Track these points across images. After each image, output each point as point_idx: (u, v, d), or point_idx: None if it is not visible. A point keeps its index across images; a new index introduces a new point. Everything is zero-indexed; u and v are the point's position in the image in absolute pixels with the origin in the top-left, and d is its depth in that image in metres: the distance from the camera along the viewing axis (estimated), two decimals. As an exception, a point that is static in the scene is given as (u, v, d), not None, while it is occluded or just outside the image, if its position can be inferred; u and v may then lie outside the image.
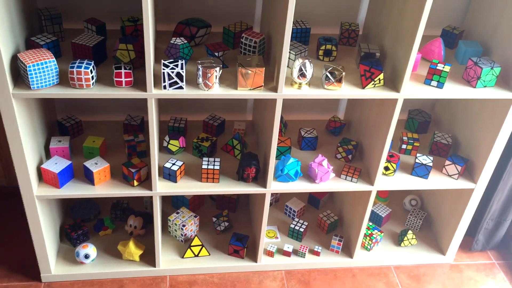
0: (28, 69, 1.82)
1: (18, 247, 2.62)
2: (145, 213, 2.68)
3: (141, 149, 2.37)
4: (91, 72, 1.90)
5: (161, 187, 2.26)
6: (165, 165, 2.27)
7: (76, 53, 2.04)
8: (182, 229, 2.60)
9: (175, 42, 2.09)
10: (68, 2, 2.30)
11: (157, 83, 1.99)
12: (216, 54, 2.10)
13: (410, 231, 2.75)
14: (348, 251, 2.71)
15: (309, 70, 2.00)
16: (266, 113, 2.26)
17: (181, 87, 1.97)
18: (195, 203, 2.81)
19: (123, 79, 1.94)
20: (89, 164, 2.22)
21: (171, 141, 2.39)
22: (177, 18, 2.38)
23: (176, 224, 2.61)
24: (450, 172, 2.46)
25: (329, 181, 2.37)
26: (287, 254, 2.65)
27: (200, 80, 1.97)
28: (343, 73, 2.03)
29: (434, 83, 2.14)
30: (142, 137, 2.39)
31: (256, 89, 2.02)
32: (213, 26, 2.40)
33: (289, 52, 2.14)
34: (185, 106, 2.70)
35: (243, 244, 2.58)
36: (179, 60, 1.94)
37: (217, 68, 1.95)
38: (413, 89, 2.12)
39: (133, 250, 2.50)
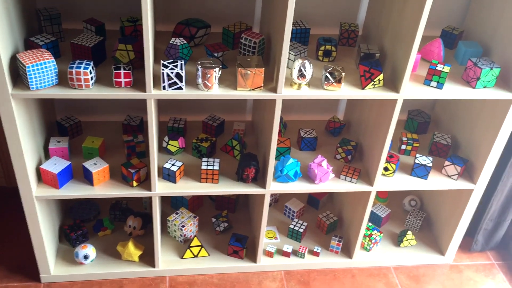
0: (27, 69, 1.82)
1: (17, 248, 2.62)
2: (144, 214, 2.68)
3: (141, 149, 2.37)
4: (90, 72, 1.90)
5: (161, 188, 2.26)
6: (164, 166, 2.27)
7: (76, 53, 2.04)
8: (181, 229, 2.59)
9: (174, 43, 2.09)
10: (67, 2, 2.30)
11: (156, 84, 1.99)
12: (216, 54, 2.10)
13: (409, 232, 2.75)
14: (347, 251, 2.71)
15: (309, 70, 2.00)
16: (266, 114, 2.26)
17: (180, 88, 1.96)
18: (195, 204, 2.81)
19: (122, 80, 1.94)
20: (88, 164, 2.21)
21: (171, 142, 2.38)
22: (176, 19, 2.38)
23: (175, 225, 2.60)
24: (449, 172, 2.46)
25: (329, 182, 2.37)
26: (286, 254, 2.65)
27: (200, 80, 1.97)
28: (343, 74, 2.03)
29: (433, 83, 2.14)
30: (141, 138, 2.38)
31: (256, 89, 2.01)
32: (212, 26, 2.40)
33: (289, 53, 2.14)
34: (185, 107, 2.70)
35: (242, 244, 2.58)
36: (179, 61, 1.94)
37: (217, 69, 1.95)
38: (412, 89, 2.12)
39: (132, 250, 2.50)
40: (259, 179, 2.34)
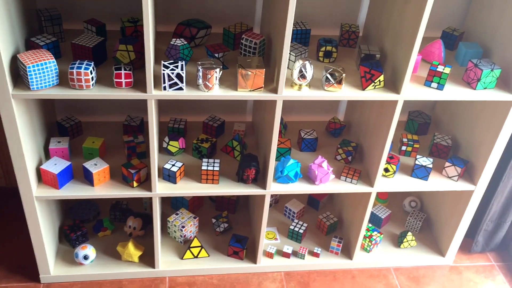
0: (28, 69, 1.82)
1: (17, 248, 2.62)
2: (145, 214, 2.68)
3: (141, 150, 2.37)
4: (91, 73, 1.90)
5: (161, 188, 2.26)
6: (164, 166, 2.27)
7: (76, 53, 2.04)
8: (181, 230, 2.59)
9: (175, 43, 2.09)
10: (68, 2, 2.30)
11: (157, 84, 1.99)
12: (216, 55, 2.10)
13: (409, 233, 2.75)
14: (347, 252, 2.71)
15: (309, 71, 2.00)
16: (266, 114, 2.26)
17: (181, 88, 1.96)
18: (195, 204, 2.81)
19: (123, 80, 1.94)
20: (88, 165, 2.21)
21: (171, 142, 2.38)
22: (177, 19, 2.38)
23: (175, 225, 2.60)
24: (450, 173, 2.46)
25: (329, 183, 2.37)
26: (286, 255, 2.64)
27: (200, 81, 1.97)
28: (343, 75, 2.03)
29: (434, 84, 2.14)
30: (141, 138, 2.38)
31: (256, 90, 2.01)
32: (213, 27, 2.40)
33: (289, 54, 2.14)
34: (185, 107, 2.70)
35: (242, 245, 2.58)
36: (179, 61, 1.94)
37: (217, 69, 1.95)
38: (413, 90, 2.12)
39: (132, 251, 2.50)
40: (259, 180, 2.34)
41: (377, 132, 2.31)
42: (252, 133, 2.65)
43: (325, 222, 2.75)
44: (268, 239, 2.73)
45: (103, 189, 2.22)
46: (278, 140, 2.47)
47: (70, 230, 2.55)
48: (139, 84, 1.98)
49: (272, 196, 2.88)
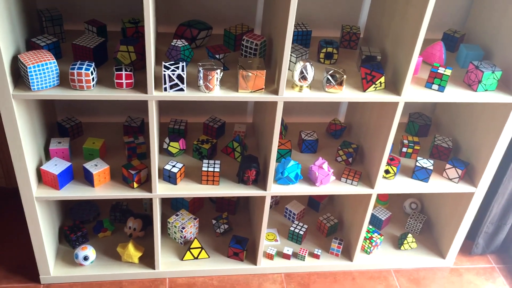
0: (28, 70, 1.82)
1: (17, 249, 2.62)
2: (145, 215, 2.68)
3: (141, 151, 2.37)
4: (92, 73, 1.90)
5: (161, 189, 2.25)
6: (165, 167, 2.27)
7: (77, 54, 2.04)
8: (181, 231, 2.59)
9: (176, 44, 2.09)
10: (68, 3, 2.30)
11: (157, 85, 1.99)
12: (217, 56, 2.10)
13: (410, 235, 2.75)
14: (348, 254, 2.71)
15: (310, 72, 1.99)
16: (267, 116, 2.26)
17: (181, 89, 1.96)
18: (195, 205, 2.81)
19: (123, 81, 1.94)
20: (89, 165, 2.21)
21: (171, 143, 2.38)
22: (178, 20, 2.38)
23: (175, 226, 2.60)
24: (450, 175, 2.45)
25: (329, 184, 2.37)
26: (286, 257, 2.64)
27: (201, 82, 1.97)
28: (344, 76, 2.03)
29: (435, 86, 2.14)
30: (142, 139, 2.38)
31: (257, 91, 2.01)
32: (214, 28, 2.40)
33: (290, 55, 2.14)
34: (186, 108, 2.69)
35: (242, 246, 2.58)
36: (180, 62, 1.94)
37: (218, 70, 1.95)
38: (414, 92, 2.12)
39: (132, 252, 2.49)
40: (260, 181, 2.34)
41: (377, 133, 2.30)
42: (253, 134, 2.65)
43: (325, 223, 2.75)
44: (268, 240, 2.73)
45: (103, 190, 2.22)
46: (279, 141, 2.46)
47: (70, 231, 2.54)
48: (140, 85, 1.98)
49: (272, 197, 2.88)
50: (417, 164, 2.42)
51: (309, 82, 2.03)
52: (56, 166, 2.17)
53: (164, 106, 2.64)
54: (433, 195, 2.87)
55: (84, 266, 2.50)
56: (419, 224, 2.83)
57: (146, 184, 2.27)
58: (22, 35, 2.00)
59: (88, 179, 2.23)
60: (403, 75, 2.03)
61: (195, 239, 2.57)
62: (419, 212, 2.94)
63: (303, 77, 2.00)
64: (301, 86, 2.04)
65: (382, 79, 2.06)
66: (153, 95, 1.95)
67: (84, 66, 1.89)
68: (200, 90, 1.99)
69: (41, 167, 2.16)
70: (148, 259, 2.55)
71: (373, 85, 2.06)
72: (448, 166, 2.44)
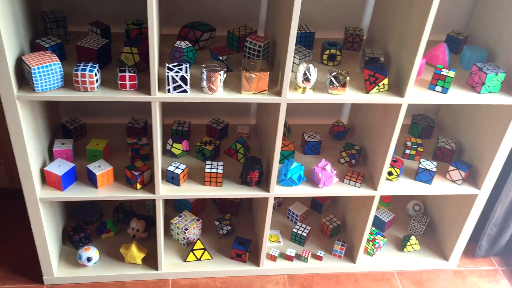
0: (32, 71, 1.83)
1: (21, 249, 2.62)
2: (148, 216, 2.68)
3: (145, 152, 2.37)
4: (96, 75, 1.90)
5: (164, 191, 2.26)
6: (168, 169, 2.27)
7: (81, 56, 2.05)
8: (184, 232, 2.59)
9: (179, 46, 2.09)
10: (73, 5, 2.31)
11: (161, 86, 1.99)
12: (221, 57, 2.11)
13: (413, 237, 2.74)
14: (350, 256, 2.70)
15: (313, 74, 2.00)
16: (270, 117, 2.26)
17: (185, 91, 1.97)
18: (198, 207, 2.81)
19: (127, 82, 1.94)
20: (92, 167, 2.22)
21: (175, 145, 2.39)
22: (181, 22, 2.38)
23: (178, 228, 2.60)
24: (453, 177, 2.45)
25: (332, 186, 2.37)
26: (289, 258, 2.64)
27: (204, 83, 1.97)
28: (347, 78, 2.03)
29: (438, 88, 2.13)
30: (145, 140, 2.39)
31: (260, 93, 2.01)
32: (217, 29, 2.41)
33: (294, 57, 2.14)
34: (189, 110, 2.70)
35: (245, 248, 2.58)
36: (183, 64, 1.94)
37: (221, 72, 1.95)
38: (417, 94, 2.12)
39: (135, 253, 2.50)
40: (263, 183, 2.34)
41: (380, 135, 2.30)
42: (256, 135, 2.65)
43: (328, 225, 2.75)
44: (271, 242, 2.73)
45: (107, 191, 2.23)
46: (282, 143, 2.46)
47: (73, 232, 2.55)
48: (144, 86, 1.99)
49: (275, 199, 2.88)
50: (420, 166, 2.41)
51: (312, 84, 2.03)
52: (59, 167, 2.17)
53: (167, 108, 2.65)
54: (436, 197, 2.86)
55: (87, 267, 2.50)
56: (422, 226, 2.82)
57: (149, 185, 2.27)
58: (26, 36, 2.01)
59: (91, 180, 2.24)
60: (407, 77, 2.03)
61: (198, 240, 2.57)
62: (422, 214, 2.94)
63: (306, 79, 2.00)
64: (304, 88, 2.04)
65: (386, 81, 2.06)
66: (157, 97, 1.95)
67: (88, 68, 1.89)
68: (204, 91, 2.00)
69: (45, 168, 2.16)
70: (151, 260, 2.55)
71: (376, 87, 2.06)
72: (451, 168, 2.44)
